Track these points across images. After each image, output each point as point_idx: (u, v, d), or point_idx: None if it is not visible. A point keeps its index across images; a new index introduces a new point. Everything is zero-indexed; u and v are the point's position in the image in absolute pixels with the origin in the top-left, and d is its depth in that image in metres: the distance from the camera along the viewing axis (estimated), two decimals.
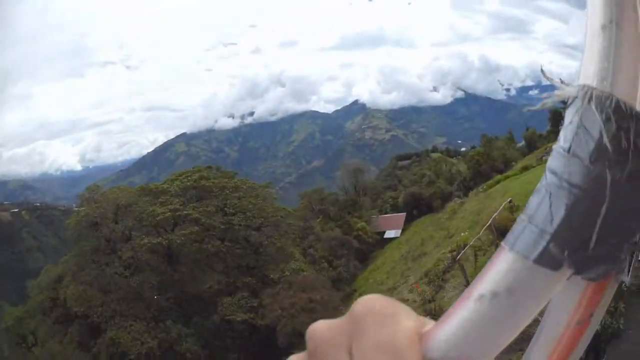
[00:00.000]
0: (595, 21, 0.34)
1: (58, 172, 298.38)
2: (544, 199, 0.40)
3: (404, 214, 43.99)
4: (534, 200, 0.41)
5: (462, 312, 0.41)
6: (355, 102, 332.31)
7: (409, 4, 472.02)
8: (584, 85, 0.38)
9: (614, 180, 0.37)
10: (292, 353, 0.43)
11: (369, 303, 0.38)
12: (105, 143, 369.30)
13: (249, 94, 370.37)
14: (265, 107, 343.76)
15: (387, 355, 0.36)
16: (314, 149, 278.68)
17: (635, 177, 0.38)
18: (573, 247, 0.39)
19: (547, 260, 0.39)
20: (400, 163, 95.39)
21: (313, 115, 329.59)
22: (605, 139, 0.36)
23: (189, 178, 28.62)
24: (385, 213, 47.36)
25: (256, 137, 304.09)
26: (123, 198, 28.99)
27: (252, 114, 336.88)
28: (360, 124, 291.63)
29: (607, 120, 0.37)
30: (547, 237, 0.39)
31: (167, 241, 26.48)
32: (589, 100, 0.37)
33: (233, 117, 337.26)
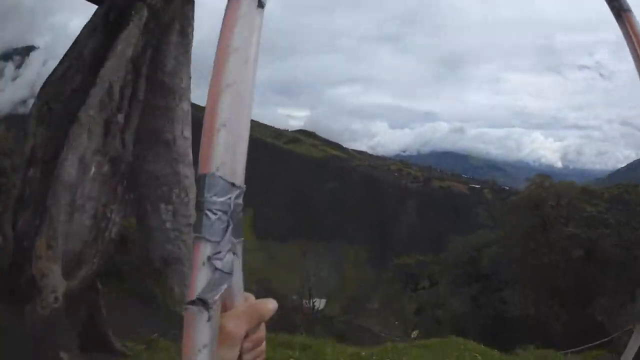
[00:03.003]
0: None
1: (536, 164, 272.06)
2: None
3: None
4: None
5: None
6: None
7: None
8: None
9: None
10: None
11: None
12: (586, 148, 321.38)
13: None
14: None
15: None
16: None
17: None
18: None
19: None
20: None
21: None
22: None
23: (619, 189, 33.27)
24: None
25: None
26: (566, 190, 32.58)
27: None
28: None
29: None
30: None
31: (585, 235, 28.43)
32: None
33: None
